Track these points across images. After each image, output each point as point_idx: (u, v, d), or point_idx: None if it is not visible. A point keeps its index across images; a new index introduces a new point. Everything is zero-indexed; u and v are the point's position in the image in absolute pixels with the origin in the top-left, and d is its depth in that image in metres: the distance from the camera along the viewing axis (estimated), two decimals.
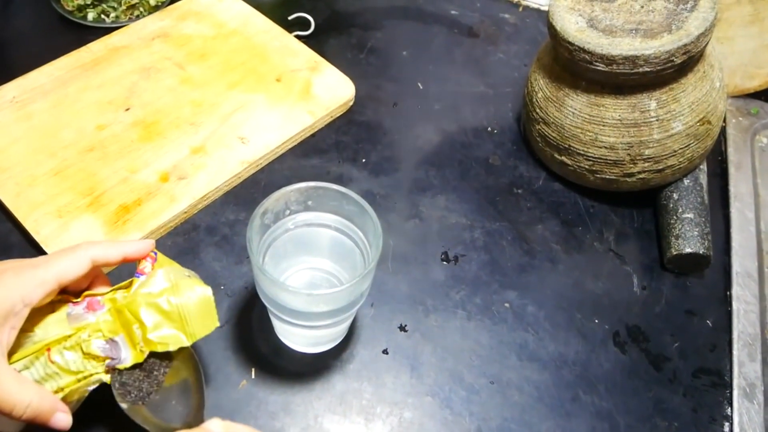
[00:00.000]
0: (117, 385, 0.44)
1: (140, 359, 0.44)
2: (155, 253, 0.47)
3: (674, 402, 0.56)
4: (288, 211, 0.52)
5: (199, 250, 0.63)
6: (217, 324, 0.46)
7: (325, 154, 0.72)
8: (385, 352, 0.58)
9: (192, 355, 0.45)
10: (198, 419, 0.44)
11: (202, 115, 0.72)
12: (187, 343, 0.44)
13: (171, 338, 0.44)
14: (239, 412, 0.53)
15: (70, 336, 0.43)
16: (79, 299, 0.45)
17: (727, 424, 0.56)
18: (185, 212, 0.64)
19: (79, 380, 0.43)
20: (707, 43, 0.60)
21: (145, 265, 0.46)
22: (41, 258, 0.44)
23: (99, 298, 0.45)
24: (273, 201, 0.49)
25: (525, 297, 0.62)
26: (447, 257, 0.65)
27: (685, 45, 0.57)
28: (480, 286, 0.63)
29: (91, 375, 0.44)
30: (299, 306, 0.48)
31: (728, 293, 0.63)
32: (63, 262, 0.43)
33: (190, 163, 0.67)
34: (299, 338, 0.56)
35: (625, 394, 0.57)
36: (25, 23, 0.84)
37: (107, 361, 0.44)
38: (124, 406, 0.44)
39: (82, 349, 0.43)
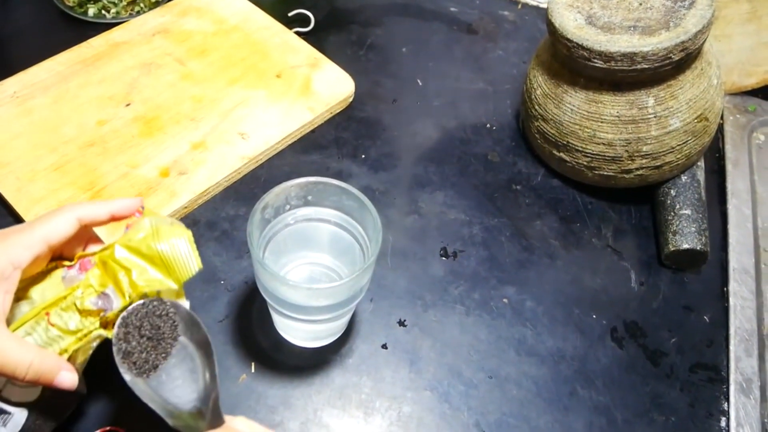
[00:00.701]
0: (121, 356, 0.42)
1: (126, 305, 0.43)
2: (143, 208, 0.47)
3: (671, 397, 0.57)
4: (288, 206, 0.52)
5: (200, 245, 0.63)
6: (200, 266, 0.45)
7: (325, 150, 0.72)
8: (384, 346, 0.58)
9: (205, 339, 0.44)
10: (216, 412, 0.42)
11: (202, 110, 0.72)
12: (174, 287, 0.44)
13: (156, 282, 0.44)
14: (239, 406, 0.54)
15: (65, 297, 0.43)
16: (72, 262, 0.45)
17: (723, 419, 0.56)
18: (185, 207, 0.65)
19: (80, 339, 0.44)
20: (705, 40, 0.60)
21: (133, 222, 0.46)
22: (26, 223, 0.44)
23: (90, 257, 0.45)
24: (273, 196, 0.50)
25: (523, 292, 0.62)
26: (446, 253, 0.65)
27: (683, 42, 0.57)
28: (479, 281, 0.63)
29: (90, 332, 0.44)
30: (299, 300, 0.48)
31: (725, 289, 0.64)
32: (48, 223, 0.43)
33: (191, 159, 0.67)
34: (299, 333, 0.57)
35: (622, 388, 0.57)
36: (26, 19, 0.84)
37: (101, 314, 0.43)
38: (127, 377, 0.42)
39: (77, 306, 0.43)
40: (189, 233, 0.45)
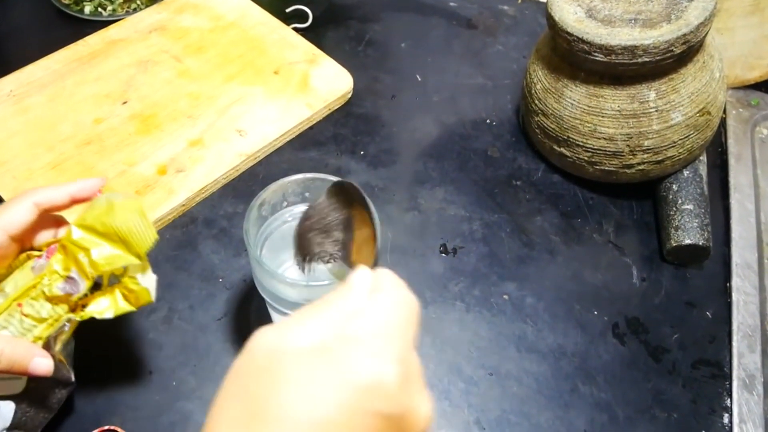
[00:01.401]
0: (301, 259, 0.43)
1: (91, 285, 0.44)
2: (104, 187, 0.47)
3: (673, 393, 0.56)
4: (285, 203, 0.52)
5: (197, 242, 0.63)
6: (156, 237, 0.45)
7: (324, 146, 0.72)
8: None
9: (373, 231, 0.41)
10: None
11: (199, 107, 0.71)
12: (136, 262, 0.44)
13: (117, 258, 0.44)
14: None
15: (34, 286, 0.43)
16: (42, 252, 0.45)
17: (726, 415, 0.56)
18: (183, 205, 0.64)
19: (50, 324, 0.44)
20: (707, 33, 0.59)
21: (90, 201, 0.46)
22: None
23: (55, 244, 0.45)
24: (270, 193, 0.49)
25: (524, 289, 0.62)
26: (446, 249, 0.64)
27: (685, 35, 0.57)
28: (479, 277, 0.62)
29: (60, 316, 0.44)
30: (297, 298, 0.48)
31: (728, 284, 0.63)
32: (6, 212, 0.43)
33: (188, 156, 0.67)
34: None
35: (624, 385, 0.56)
36: (22, 17, 0.83)
37: (70, 298, 0.44)
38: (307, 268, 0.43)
39: (45, 294, 0.43)
40: (140, 205, 0.45)
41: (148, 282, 0.46)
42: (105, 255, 0.44)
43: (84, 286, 0.44)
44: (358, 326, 0.29)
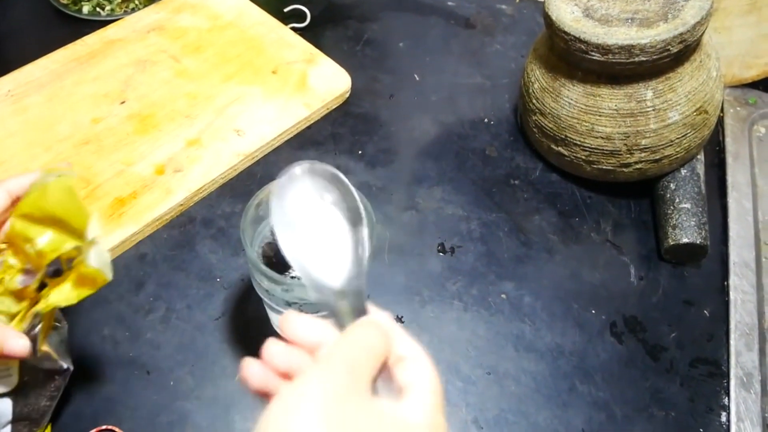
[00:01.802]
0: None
1: (43, 274, 0.43)
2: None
3: (671, 392, 0.56)
4: None
5: (195, 242, 0.63)
6: (89, 213, 0.44)
7: (322, 146, 0.72)
8: None
9: (354, 207, 0.38)
10: (359, 297, 0.36)
11: (197, 107, 0.71)
12: (76, 243, 0.43)
13: (60, 242, 0.43)
14: (236, 404, 0.53)
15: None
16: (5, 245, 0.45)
17: (724, 413, 0.56)
18: (181, 205, 0.64)
19: (21, 318, 0.43)
20: (703, 32, 0.59)
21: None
22: None
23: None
24: (267, 193, 0.49)
25: (522, 288, 0.62)
26: (443, 248, 0.64)
27: (681, 34, 0.57)
28: (477, 277, 0.62)
29: (27, 310, 0.43)
30: (294, 298, 0.48)
31: (726, 283, 0.63)
32: None
33: (186, 156, 0.67)
34: None
35: (621, 384, 0.57)
36: (21, 16, 0.83)
37: (31, 290, 0.43)
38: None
39: (8, 288, 0.43)
40: (68, 182, 0.43)
41: (100, 261, 0.44)
42: (48, 242, 0.42)
43: (38, 276, 0.43)
44: (411, 412, 0.32)
